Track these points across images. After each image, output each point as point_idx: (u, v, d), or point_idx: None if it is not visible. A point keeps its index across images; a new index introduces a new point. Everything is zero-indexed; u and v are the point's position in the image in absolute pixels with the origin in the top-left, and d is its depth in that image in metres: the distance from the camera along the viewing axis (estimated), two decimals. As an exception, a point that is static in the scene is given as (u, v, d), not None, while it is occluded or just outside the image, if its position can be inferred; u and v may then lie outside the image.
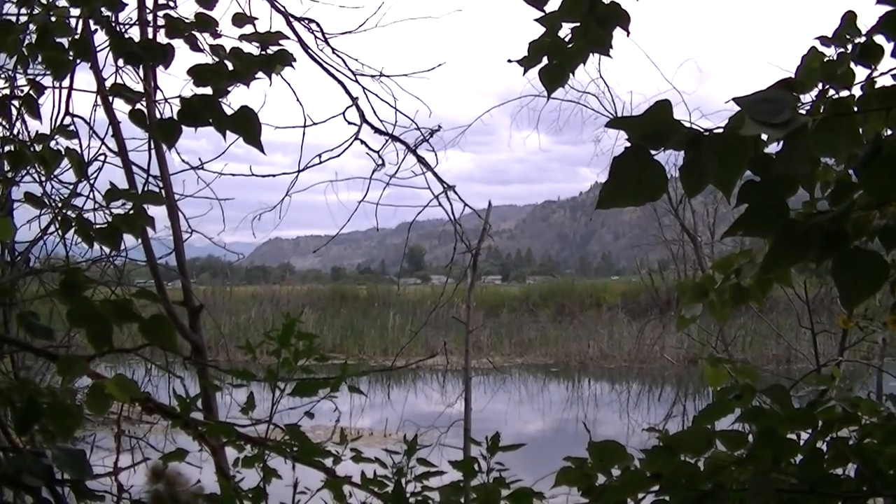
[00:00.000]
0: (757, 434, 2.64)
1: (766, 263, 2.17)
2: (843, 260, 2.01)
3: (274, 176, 5.55)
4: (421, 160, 5.68)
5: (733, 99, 1.84)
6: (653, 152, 1.94)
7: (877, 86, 3.03)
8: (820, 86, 3.22)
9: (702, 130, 1.90)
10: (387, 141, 5.56)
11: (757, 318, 24.20)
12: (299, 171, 5.46)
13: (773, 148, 2.03)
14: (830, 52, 3.24)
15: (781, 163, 1.87)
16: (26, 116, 3.94)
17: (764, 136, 1.96)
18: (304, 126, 5.11)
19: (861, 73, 3.17)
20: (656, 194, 1.98)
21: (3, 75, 4.00)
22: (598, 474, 2.83)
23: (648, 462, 2.68)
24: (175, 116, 3.18)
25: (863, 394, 3.19)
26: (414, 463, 3.13)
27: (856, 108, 2.74)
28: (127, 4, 3.70)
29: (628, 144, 1.95)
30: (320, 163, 5.43)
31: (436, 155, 5.79)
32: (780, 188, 2.00)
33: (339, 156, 5.44)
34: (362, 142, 5.40)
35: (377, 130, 5.46)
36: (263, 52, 3.41)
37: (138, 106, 3.57)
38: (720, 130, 1.91)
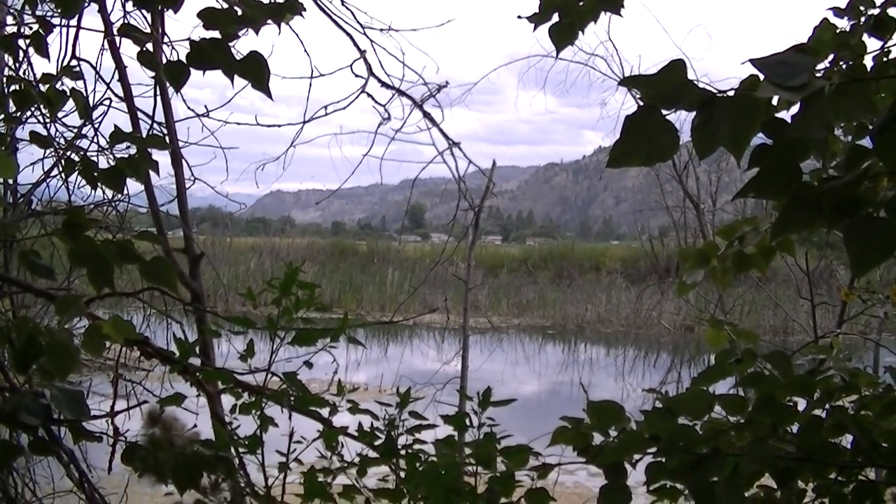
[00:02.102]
0: (757, 400, 2.64)
1: (777, 226, 2.15)
2: (855, 226, 2.00)
3: (279, 126, 5.53)
4: (427, 115, 5.66)
5: (750, 60, 1.82)
6: (665, 112, 1.93)
7: (892, 56, 3.02)
8: (831, 57, 3.20)
9: (715, 91, 1.89)
10: (393, 95, 5.54)
11: (755, 289, 24.22)
12: (304, 123, 5.44)
13: (783, 114, 2.02)
14: (843, 23, 3.22)
15: (798, 127, 1.85)
16: (32, 57, 3.92)
17: (774, 100, 1.95)
18: (311, 77, 5.09)
19: (873, 45, 3.16)
20: (667, 155, 1.97)
21: (11, 13, 3.99)
22: (595, 434, 2.83)
23: (647, 423, 2.67)
24: (183, 60, 3.16)
25: (859, 368, 3.19)
26: (406, 416, 3.13)
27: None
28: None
29: (639, 104, 1.94)
30: (326, 114, 5.41)
31: (442, 111, 5.78)
32: (793, 153, 1.99)
33: (344, 108, 5.42)
34: (369, 95, 5.38)
35: (384, 84, 5.44)
36: (273, 0, 3.39)
37: (146, 48, 3.55)
38: (733, 92, 1.89)
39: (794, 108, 1.88)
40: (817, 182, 2.13)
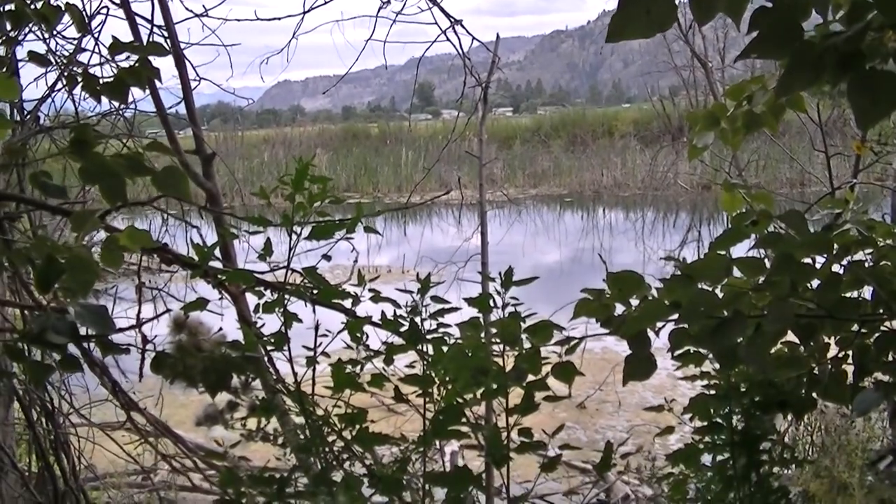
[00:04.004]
0: (774, 260, 2.65)
1: (781, 86, 2.14)
2: (859, 80, 1.98)
3: (279, 19, 5.50)
4: (427, -6, 5.61)
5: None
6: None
7: None
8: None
9: (712, -43, 1.87)
10: (393, -24, 5.49)
11: (770, 143, 24.12)
12: (305, 13, 5.41)
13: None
14: None
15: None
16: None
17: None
18: (309, -35, 5.04)
19: None
20: (665, 25, 1.95)
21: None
22: (617, 304, 2.85)
23: (667, 291, 2.69)
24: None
25: (877, 216, 3.18)
26: (428, 301, 3.14)
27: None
28: None
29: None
30: (326, 2, 5.37)
31: (442, -12, 5.73)
32: (793, 13, 1.97)
33: (344, -7, 5.38)
34: (368, -22, 5.33)
35: (382, -33, 5.38)
36: None
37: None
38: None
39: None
40: (823, 35, 2.11)
